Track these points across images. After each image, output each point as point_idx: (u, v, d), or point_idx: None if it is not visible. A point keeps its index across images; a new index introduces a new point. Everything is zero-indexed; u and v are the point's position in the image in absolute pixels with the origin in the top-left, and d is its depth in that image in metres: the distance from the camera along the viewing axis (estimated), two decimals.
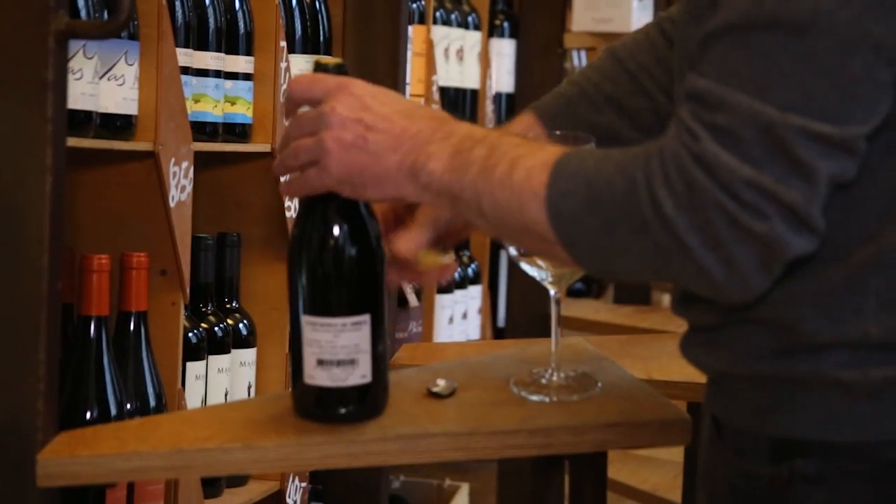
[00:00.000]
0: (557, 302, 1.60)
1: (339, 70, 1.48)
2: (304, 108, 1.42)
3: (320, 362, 1.50)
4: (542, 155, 1.29)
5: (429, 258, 1.50)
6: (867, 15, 1.16)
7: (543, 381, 1.61)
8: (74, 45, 1.66)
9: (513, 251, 1.55)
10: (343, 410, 1.51)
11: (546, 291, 1.59)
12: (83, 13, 1.71)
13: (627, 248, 1.23)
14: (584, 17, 3.37)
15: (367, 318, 1.50)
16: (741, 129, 1.18)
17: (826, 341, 1.26)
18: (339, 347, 1.49)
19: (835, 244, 1.24)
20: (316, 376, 1.50)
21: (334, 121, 1.36)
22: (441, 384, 1.60)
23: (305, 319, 1.49)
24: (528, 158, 1.29)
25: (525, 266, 1.56)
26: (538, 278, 1.59)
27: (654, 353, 2.01)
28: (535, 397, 1.58)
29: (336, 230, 1.49)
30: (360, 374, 1.50)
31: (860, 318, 1.24)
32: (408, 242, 1.48)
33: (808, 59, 1.17)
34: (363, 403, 1.52)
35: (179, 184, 1.96)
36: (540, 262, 1.55)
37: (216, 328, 2.18)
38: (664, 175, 1.20)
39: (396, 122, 1.36)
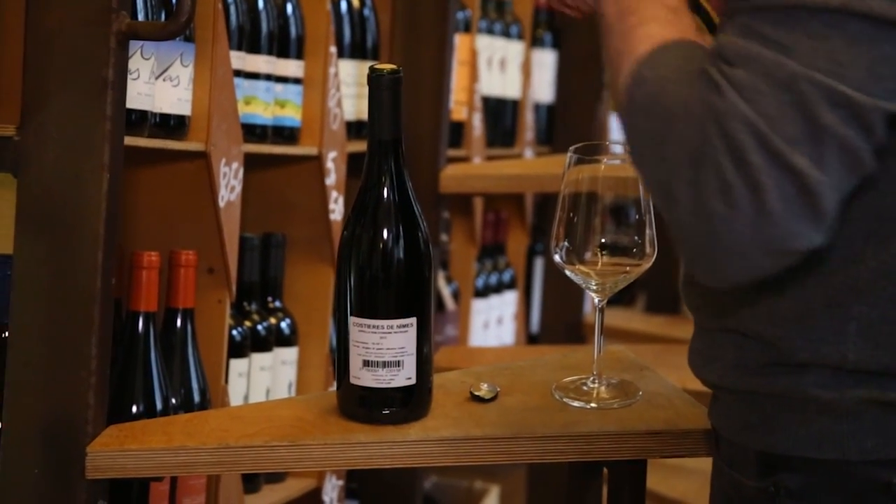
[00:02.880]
0: (601, 309, 1.62)
1: (394, 75, 1.51)
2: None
3: (366, 363, 1.52)
4: (664, 32, 1.26)
5: None
6: None
7: (585, 387, 1.63)
8: (133, 46, 1.69)
9: (557, 258, 1.58)
10: (387, 411, 1.54)
11: (579, 299, 1.61)
12: (141, 15, 1.74)
13: (665, 158, 1.20)
14: None
15: (413, 321, 1.52)
16: (763, 81, 1.15)
17: (805, 360, 1.27)
18: (385, 349, 1.52)
19: (819, 263, 1.24)
20: (361, 377, 1.53)
21: None
22: (484, 388, 1.62)
23: (353, 321, 1.51)
24: (656, 25, 1.27)
25: (570, 273, 1.59)
26: (583, 286, 1.61)
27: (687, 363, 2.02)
28: (576, 403, 1.60)
29: (385, 233, 1.52)
30: (405, 376, 1.53)
31: (839, 341, 1.25)
32: None
33: (838, 27, 1.15)
34: (407, 405, 1.54)
35: (229, 184, 1.99)
36: (584, 269, 1.57)
37: (259, 326, 2.21)
38: (715, 114, 1.17)
39: None
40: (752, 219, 1.16)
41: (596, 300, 1.62)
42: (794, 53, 1.16)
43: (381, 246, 1.52)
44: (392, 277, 1.51)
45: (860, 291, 1.25)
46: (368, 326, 1.52)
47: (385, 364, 1.52)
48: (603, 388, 1.62)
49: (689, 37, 1.27)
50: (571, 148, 1.60)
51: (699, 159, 1.17)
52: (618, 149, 1.63)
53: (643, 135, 1.24)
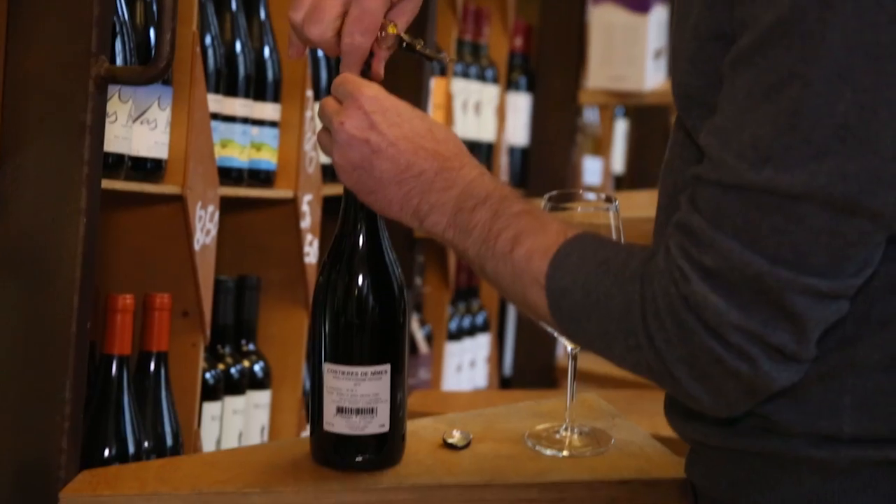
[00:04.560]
0: (574, 357, 1.63)
1: None
2: None
3: (340, 410, 1.52)
4: (543, 238, 1.31)
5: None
6: (864, 190, 1.16)
7: (557, 435, 1.63)
8: (111, 89, 1.70)
9: None
10: (360, 458, 1.54)
11: (552, 343, 1.62)
12: (120, 57, 1.75)
13: (623, 356, 1.27)
14: (599, 74, 3.42)
15: (387, 367, 1.53)
16: (730, 274, 1.18)
17: (799, 433, 1.28)
18: (359, 396, 1.52)
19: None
20: (335, 424, 1.53)
21: (342, 138, 1.38)
22: (456, 435, 1.63)
23: (327, 367, 1.52)
24: (529, 237, 1.31)
25: (542, 321, 1.59)
26: (555, 334, 1.62)
27: (661, 409, 2.03)
28: (549, 451, 1.60)
29: (360, 280, 1.52)
30: (379, 423, 1.53)
31: (835, 415, 1.26)
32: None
33: (801, 220, 1.17)
34: (380, 452, 1.54)
35: (205, 227, 1.99)
36: None
37: (232, 369, 2.21)
38: (655, 308, 1.22)
39: (402, 151, 1.36)
40: (742, 385, 1.22)
41: (569, 347, 1.62)
42: (760, 245, 1.18)
43: (355, 293, 1.52)
44: (366, 324, 1.52)
45: (854, 365, 1.26)
46: (342, 373, 1.52)
47: (359, 411, 1.53)
48: (575, 437, 1.63)
49: (560, 229, 1.31)
50: (546, 196, 1.61)
51: (675, 344, 1.21)
52: (591, 196, 1.65)
53: (587, 336, 1.29)
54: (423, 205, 1.36)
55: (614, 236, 1.58)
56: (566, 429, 1.64)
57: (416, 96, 2.67)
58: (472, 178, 1.36)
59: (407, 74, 2.67)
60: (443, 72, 3.00)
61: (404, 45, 1.46)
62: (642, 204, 2.29)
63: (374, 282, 1.52)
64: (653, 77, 3.41)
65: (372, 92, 1.38)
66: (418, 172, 1.36)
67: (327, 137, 1.41)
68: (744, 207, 1.19)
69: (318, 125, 2.35)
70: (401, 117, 1.37)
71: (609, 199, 1.61)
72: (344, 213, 1.53)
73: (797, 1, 1.16)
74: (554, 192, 1.62)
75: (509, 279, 1.32)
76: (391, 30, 1.45)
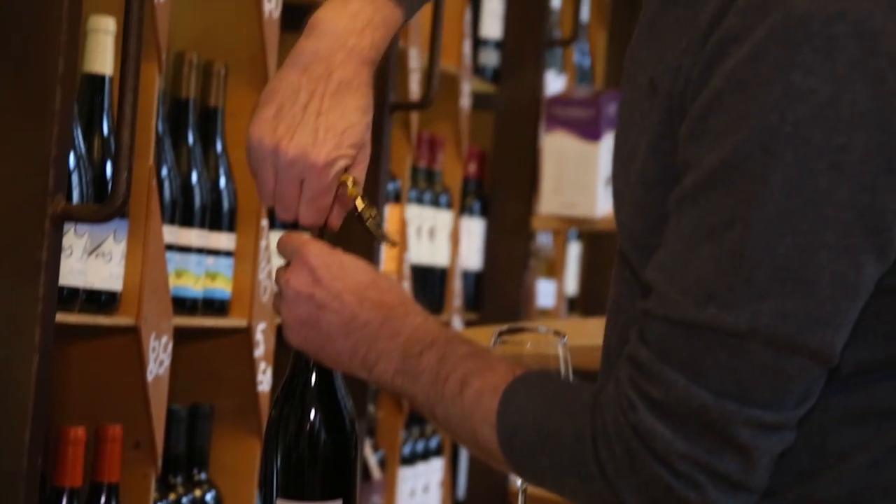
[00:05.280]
0: (524, 491, 1.64)
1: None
2: None
3: None
4: (491, 377, 1.33)
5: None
6: (803, 330, 1.19)
7: None
8: (67, 224, 1.72)
9: None
10: None
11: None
12: (76, 192, 1.77)
13: (576, 489, 1.28)
14: (552, 200, 3.47)
15: (339, 502, 1.53)
16: (676, 406, 1.21)
17: None
18: None
19: (770, 483, 1.26)
20: None
21: (289, 295, 1.40)
22: None
23: (279, 502, 1.52)
24: (477, 378, 1.33)
25: None
26: (507, 471, 1.63)
27: None
28: None
29: (312, 415, 1.53)
30: None
31: None
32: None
33: (744, 357, 1.20)
34: None
35: (158, 358, 2.00)
36: None
37: (184, 499, 2.20)
38: (606, 438, 1.24)
39: (347, 304, 1.39)
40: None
41: (518, 482, 1.63)
42: (705, 379, 1.21)
43: (307, 429, 1.53)
44: (318, 460, 1.53)
45: (815, 501, 1.27)
46: None
47: None
48: None
49: (508, 367, 1.34)
50: (496, 331, 1.63)
51: (625, 472, 1.24)
52: (543, 329, 1.67)
53: (541, 471, 1.31)
54: (371, 354, 1.38)
55: (563, 369, 1.60)
56: None
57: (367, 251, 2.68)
58: (418, 325, 1.39)
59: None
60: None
61: (356, 214, 1.49)
62: (593, 332, 2.31)
63: (325, 418, 1.53)
64: (604, 203, 3.46)
65: (316, 248, 1.41)
66: (364, 323, 1.38)
67: (278, 299, 1.44)
68: (689, 343, 1.22)
69: (274, 254, 2.38)
70: (344, 270, 1.40)
71: (558, 334, 1.64)
72: (294, 356, 1.54)
73: (740, 145, 1.20)
74: (504, 327, 1.64)
75: (459, 420, 1.34)
76: (351, 191, 1.48)
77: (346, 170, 1.46)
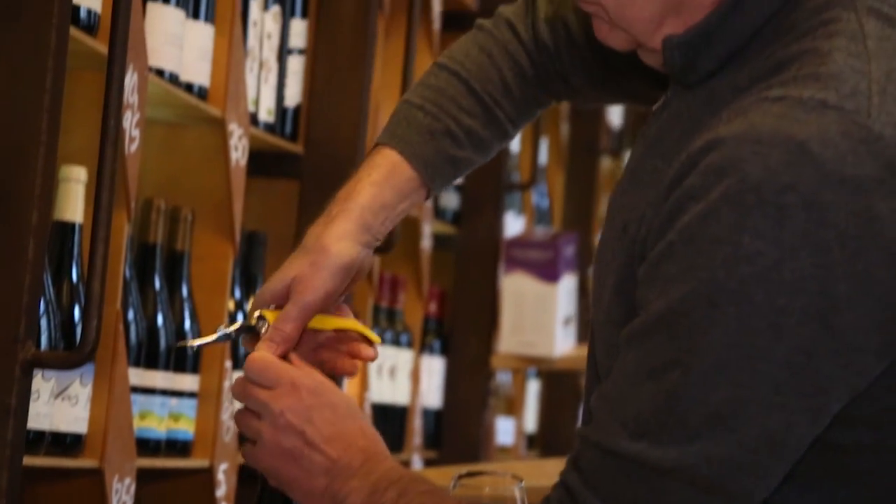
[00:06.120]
0: None
1: None
2: None
3: None
4: None
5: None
6: (726, 475, 1.26)
7: None
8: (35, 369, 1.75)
9: None
10: None
11: None
12: (45, 337, 1.81)
13: None
14: (511, 340, 3.53)
15: None
16: None
17: None
18: None
19: None
20: None
21: (280, 422, 1.43)
22: None
23: None
24: None
25: None
26: None
27: None
28: None
29: None
30: None
31: None
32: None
33: (664, 494, 1.27)
34: None
35: (121, 500, 2.02)
36: None
37: None
38: None
39: (335, 446, 1.43)
40: None
41: None
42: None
43: None
44: None
45: None
46: None
47: None
48: None
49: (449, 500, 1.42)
50: (455, 475, 1.67)
51: None
52: (501, 473, 1.71)
53: None
54: (343, 489, 1.42)
55: None
56: None
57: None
58: (391, 467, 1.44)
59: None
60: None
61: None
62: (551, 473, 2.35)
63: None
64: (562, 343, 3.52)
65: (309, 380, 1.45)
66: (345, 465, 1.42)
67: (252, 425, 1.46)
68: (615, 473, 1.28)
69: None
70: (335, 414, 1.43)
71: (515, 477, 1.68)
72: (262, 483, 1.57)
73: (687, 295, 1.26)
74: (463, 471, 1.68)
75: None
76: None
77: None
